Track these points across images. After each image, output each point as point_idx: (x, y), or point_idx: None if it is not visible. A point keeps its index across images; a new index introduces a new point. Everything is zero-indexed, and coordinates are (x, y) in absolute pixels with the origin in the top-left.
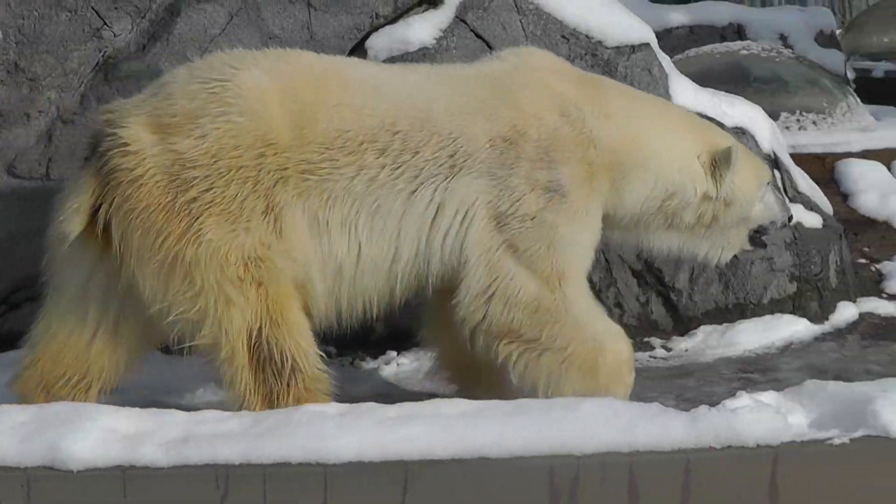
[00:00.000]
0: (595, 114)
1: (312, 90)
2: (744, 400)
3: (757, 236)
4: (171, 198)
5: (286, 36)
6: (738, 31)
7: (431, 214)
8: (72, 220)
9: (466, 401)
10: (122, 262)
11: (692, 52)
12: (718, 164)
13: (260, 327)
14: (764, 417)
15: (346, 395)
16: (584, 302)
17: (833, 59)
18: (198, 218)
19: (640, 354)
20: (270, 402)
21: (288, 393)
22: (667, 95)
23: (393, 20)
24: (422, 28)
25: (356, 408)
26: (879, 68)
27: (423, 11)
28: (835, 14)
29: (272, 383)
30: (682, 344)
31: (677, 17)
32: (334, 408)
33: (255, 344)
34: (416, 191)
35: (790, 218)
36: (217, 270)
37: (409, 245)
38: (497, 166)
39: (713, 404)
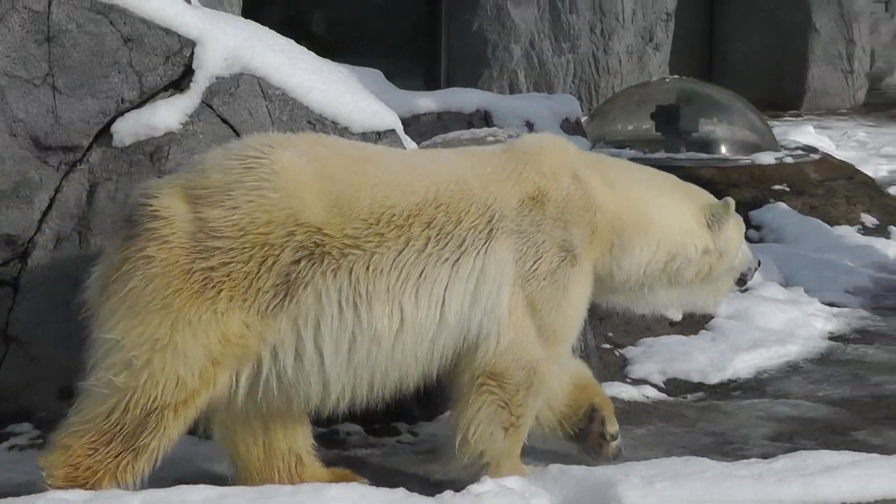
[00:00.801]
0: (598, 181)
1: (351, 171)
2: (488, 485)
3: (741, 280)
4: (190, 261)
5: (31, 120)
6: (486, 118)
7: (475, 279)
8: (92, 285)
9: (211, 486)
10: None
11: (439, 137)
12: (718, 217)
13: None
14: (508, 502)
15: None
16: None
17: (579, 145)
18: (213, 286)
19: (387, 439)
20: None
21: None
22: None
23: (139, 105)
24: (168, 113)
25: (101, 495)
26: (624, 155)
27: (170, 96)
28: (581, 101)
29: (108, 452)
30: (428, 428)
31: (425, 103)
32: (79, 495)
33: (140, 414)
34: (459, 259)
35: (759, 262)
36: (203, 337)
37: (454, 310)
38: (527, 223)
39: (458, 489)
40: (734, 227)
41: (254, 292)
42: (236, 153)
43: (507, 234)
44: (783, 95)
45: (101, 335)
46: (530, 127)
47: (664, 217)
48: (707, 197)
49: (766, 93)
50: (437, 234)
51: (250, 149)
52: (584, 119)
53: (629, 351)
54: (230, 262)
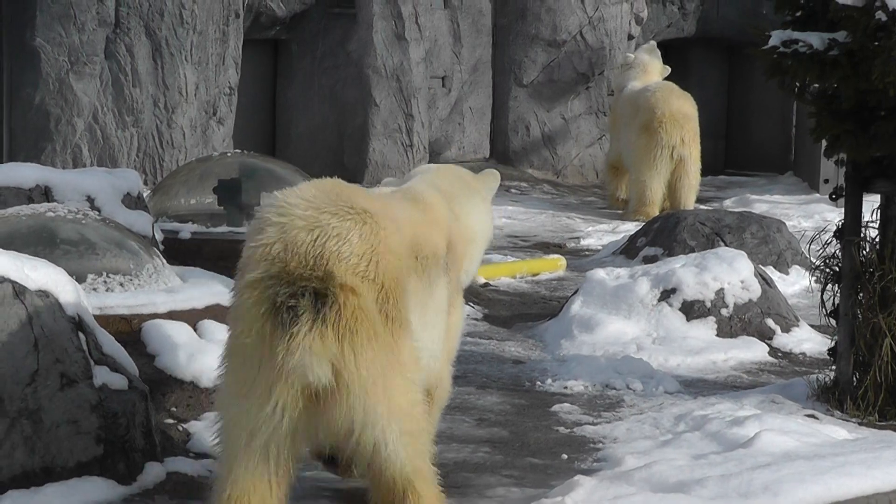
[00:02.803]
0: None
1: None
2: None
3: None
4: None
5: None
6: (46, 193)
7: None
8: None
9: None
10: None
11: None
12: None
13: None
14: None
15: None
16: None
17: (141, 221)
18: None
19: None
20: None
21: None
22: None
23: None
24: None
25: None
26: (186, 230)
27: None
28: (146, 176)
29: None
30: None
31: None
32: None
33: None
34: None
35: None
36: None
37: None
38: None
39: None
40: None
41: None
42: None
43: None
44: (345, 169)
45: None
46: (91, 202)
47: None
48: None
49: (329, 166)
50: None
51: None
52: (146, 193)
53: (192, 425)
54: None
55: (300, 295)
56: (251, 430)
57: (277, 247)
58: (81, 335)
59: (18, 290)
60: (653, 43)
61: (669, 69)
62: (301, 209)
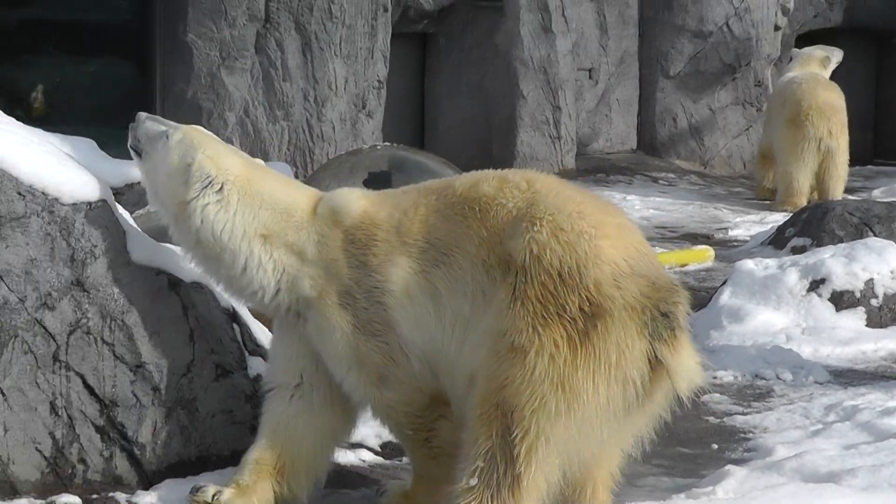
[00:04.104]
0: None
1: None
2: None
3: None
4: None
5: None
6: None
7: None
8: None
9: None
10: None
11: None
12: None
13: None
14: None
15: None
16: None
17: None
18: None
19: None
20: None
21: None
22: (124, 251)
23: None
24: None
25: None
26: None
27: None
28: (296, 168)
29: None
30: (147, 498)
31: (137, 172)
32: None
33: None
34: None
35: None
36: None
37: None
38: None
39: None
40: None
41: None
42: None
43: None
44: (493, 160)
45: None
46: None
47: None
48: None
49: (477, 158)
50: None
51: None
52: None
53: None
54: None
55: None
56: None
57: None
58: (235, 326)
59: (173, 283)
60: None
61: (840, 54)
62: None
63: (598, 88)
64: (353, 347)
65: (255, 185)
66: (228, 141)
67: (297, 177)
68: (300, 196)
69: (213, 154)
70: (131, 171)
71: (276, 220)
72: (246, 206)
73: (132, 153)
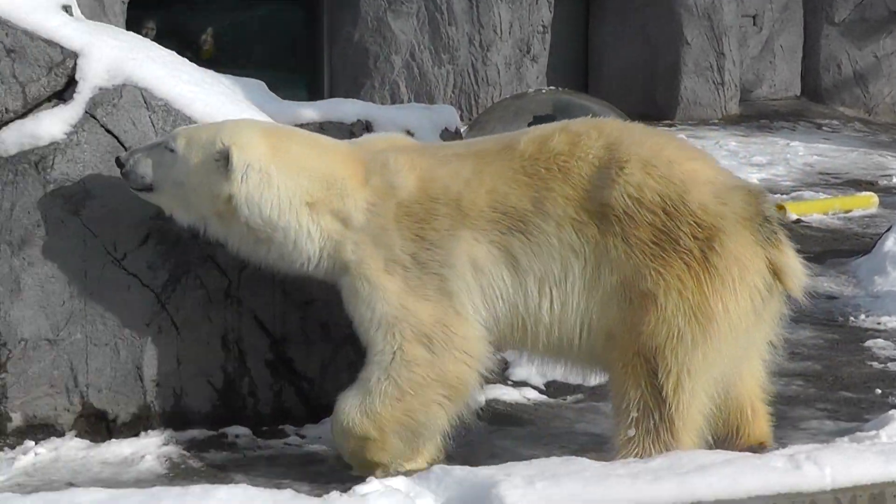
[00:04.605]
0: None
1: None
2: (374, 485)
3: None
4: None
5: None
6: (367, 128)
7: None
8: None
9: (103, 490)
10: None
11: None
12: None
13: None
14: (393, 502)
15: None
16: None
17: None
18: None
19: (274, 441)
20: None
21: None
22: None
23: (23, 115)
24: (52, 123)
25: None
26: None
27: (53, 107)
28: (461, 112)
29: None
30: (315, 431)
31: (308, 113)
32: None
33: None
34: None
35: None
36: None
37: None
38: None
39: (345, 490)
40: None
41: None
42: None
43: None
44: (656, 106)
45: None
46: (411, 136)
47: None
48: None
49: (641, 103)
50: None
51: None
52: (463, 129)
53: (510, 354)
54: None
55: None
56: None
57: None
58: None
59: None
60: None
61: None
62: None
63: (762, 35)
64: (395, 305)
65: (284, 153)
66: (394, 84)
67: (462, 119)
68: (334, 158)
69: (232, 138)
70: (300, 111)
71: (319, 186)
72: (285, 176)
73: (143, 195)
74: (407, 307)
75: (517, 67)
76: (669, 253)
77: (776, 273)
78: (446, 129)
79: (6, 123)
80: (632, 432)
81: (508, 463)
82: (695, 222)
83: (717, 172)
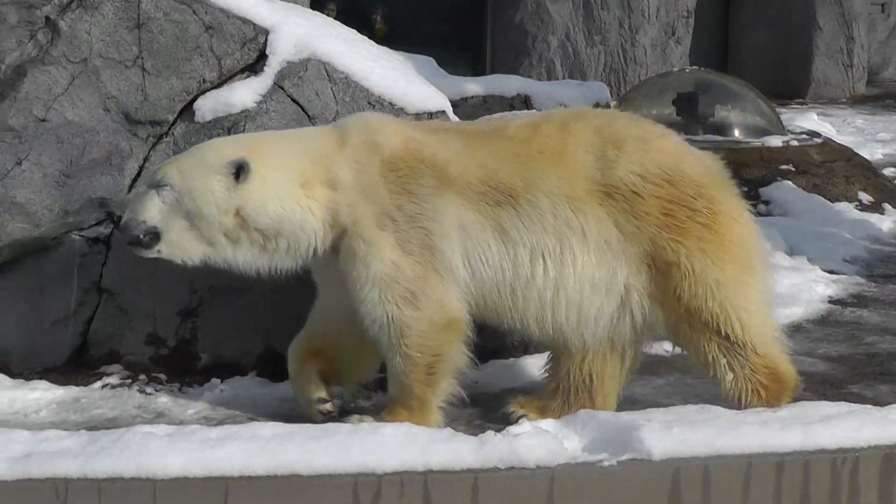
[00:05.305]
0: None
1: None
2: (525, 426)
3: None
4: None
5: (122, 97)
6: (526, 102)
7: None
8: None
9: (281, 424)
10: None
11: (484, 119)
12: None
13: None
14: (542, 442)
15: (174, 417)
16: None
17: None
18: None
19: None
20: None
21: None
22: None
23: (218, 85)
24: (244, 93)
25: (182, 429)
26: None
27: (245, 78)
28: (610, 88)
29: None
30: (472, 374)
31: (472, 87)
32: (163, 429)
33: None
34: None
35: None
36: None
37: None
38: None
39: (499, 430)
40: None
41: None
42: None
43: None
44: (789, 85)
45: None
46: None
47: None
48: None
49: (775, 83)
50: None
51: None
52: (612, 104)
53: None
54: None
55: None
56: None
57: None
58: None
59: None
60: None
61: None
62: None
63: (890, 21)
64: (387, 263)
65: (264, 154)
66: (550, 63)
67: (611, 96)
68: (308, 136)
69: (216, 154)
70: (465, 85)
71: (304, 164)
72: (275, 170)
73: (145, 252)
74: (396, 263)
75: (662, 49)
76: (683, 221)
77: None
78: (598, 103)
79: (203, 93)
80: (730, 376)
81: (647, 409)
82: (696, 185)
83: (684, 143)
